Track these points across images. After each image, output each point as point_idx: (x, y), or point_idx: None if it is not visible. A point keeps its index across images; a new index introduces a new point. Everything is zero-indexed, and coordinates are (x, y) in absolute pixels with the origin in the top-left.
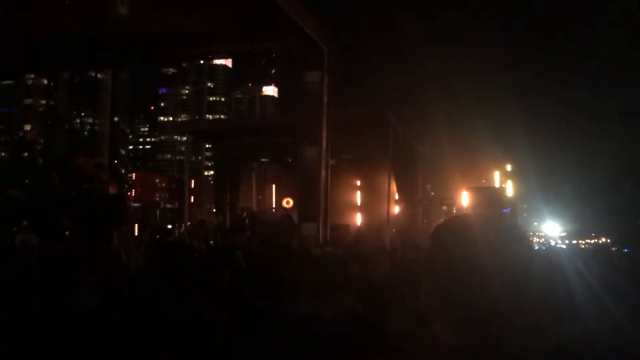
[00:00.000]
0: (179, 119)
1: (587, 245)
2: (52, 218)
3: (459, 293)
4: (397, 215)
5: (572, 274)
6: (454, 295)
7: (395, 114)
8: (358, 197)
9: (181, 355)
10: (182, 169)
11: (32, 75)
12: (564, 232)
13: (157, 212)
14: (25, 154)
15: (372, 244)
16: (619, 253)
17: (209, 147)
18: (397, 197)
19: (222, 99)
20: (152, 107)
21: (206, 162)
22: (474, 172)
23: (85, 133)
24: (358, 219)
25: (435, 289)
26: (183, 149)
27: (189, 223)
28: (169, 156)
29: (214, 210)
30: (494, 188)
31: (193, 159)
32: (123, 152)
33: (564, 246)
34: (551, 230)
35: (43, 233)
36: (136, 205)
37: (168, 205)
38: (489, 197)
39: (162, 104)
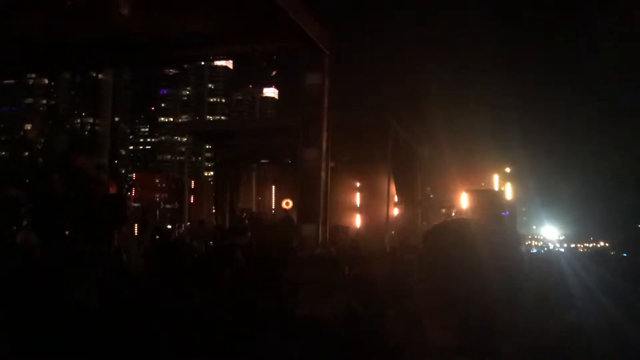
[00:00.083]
0: (180, 120)
1: (585, 249)
2: (52, 218)
3: (457, 294)
4: (397, 217)
5: (571, 277)
6: (452, 296)
7: (395, 116)
8: (358, 199)
9: (181, 354)
10: (182, 169)
11: (33, 75)
12: (562, 235)
13: (157, 212)
14: (26, 154)
15: (371, 246)
16: (617, 257)
17: (209, 147)
18: (396, 199)
19: (223, 100)
20: (153, 108)
21: (206, 163)
22: (473, 175)
23: (86, 133)
24: (357, 220)
25: (433, 290)
26: (183, 149)
27: (188, 223)
28: (169, 157)
29: (214, 211)
30: (493, 191)
31: (193, 159)
32: (123, 152)
33: (562, 250)
34: (550, 234)
35: (43, 233)
36: (136, 205)
37: (168, 206)
38: (488, 200)
39: (162, 105)
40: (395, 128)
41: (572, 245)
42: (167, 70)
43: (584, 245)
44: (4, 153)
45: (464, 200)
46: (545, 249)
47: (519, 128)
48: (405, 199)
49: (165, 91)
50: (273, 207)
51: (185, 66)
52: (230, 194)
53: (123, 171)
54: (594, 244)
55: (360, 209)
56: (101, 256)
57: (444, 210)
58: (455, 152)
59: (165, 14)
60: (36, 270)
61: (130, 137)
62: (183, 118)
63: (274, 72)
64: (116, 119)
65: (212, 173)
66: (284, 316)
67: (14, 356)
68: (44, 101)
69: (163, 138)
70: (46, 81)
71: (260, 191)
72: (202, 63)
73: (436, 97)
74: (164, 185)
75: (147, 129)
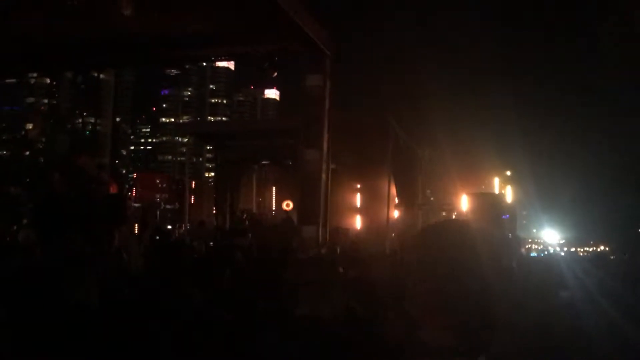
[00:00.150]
0: (181, 120)
1: (585, 253)
2: (52, 217)
3: (455, 294)
4: (397, 220)
5: (572, 280)
6: (450, 296)
7: (395, 118)
8: (358, 201)
9: (181, 354)
10: (182, 170)
11: (35, 75)
12: (562, 239)
13: (158, 212)
14: (27, 153)
15: (371, 248)
16: (617, 261)
17: (210, 148)
18: (396, 201)
19: (224, 101)
20: (154, 108)
21: (207, 164)
22: (473, 178)
23: (87, 133)
24: (358, 222)
25: (433, 290)
26: (184, 150)
27: (188, 225)
28: (170, 157)
29: (214, 211)
30: (493, 194)
31: (194, 160)
32: (124, 152)
33: (563, 253)
34: (550, 237)
35: (43, 232)
36: (137, 205)
37: (168, 206)
38: (489, 203)
39: (164, 105)
40: (396, 130)
41: (572, 249)
42: (169, 70)
43: (584, 249)
44: (5, 152)
45: (464, 203)
46: (546, 252)
47: (520, 131)
48: (406, 202)
49: (166, 92)
50: (273, 209)
51: (187, 67)
52: (231, 194)
53: (124, 171)
54: (594, 248)
55: (361, 211)
56: (101, 256)
57: (444, 213)
58: (455, 154)
59: (165, 14)
60: (36, 269)
61: (132, 137)
62: (184, 119)
63: (275, 74)
64: (117, 119)
65: (212, 174)
66: (283, 316)
67: (14, 356)
68: (46, 101)
69: (164, 138)
70: (48, 81)
71: (261, 192)
72: (204, 64)
73: (437, 98)
74: (164, 185)
75: (148, 129)
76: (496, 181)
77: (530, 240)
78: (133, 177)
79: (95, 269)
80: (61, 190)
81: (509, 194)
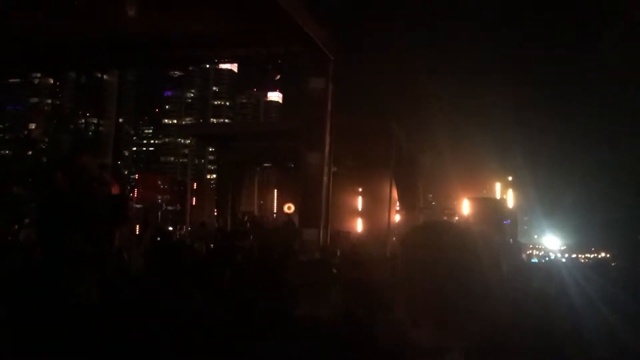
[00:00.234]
0: (183, 122)
1: (586, 260)
2: (54, 217)
3: (455, 294)
4: (398, 224)
5: (572, 287)
6: (450, 296)
7: (398, 123)
8: (359, 204)
9: (181, 354)
10: (185, 171)
11: (38, 75)
12: (563, 245)
13: (159, 213)
14: (30, 153)
15: (372, 251)
16: (617, 267)
17: (212, 150)
18: (398, 205)
19: (227, 103)
20: (157, 109)
21: (209, 166)
22: (475, 183)
23: (90, 133)
24: (359, 226)
25: (433, 290)
26: (186, 151)
27: (189, 226)
28: (172, 158)
29: (216, 213)
30: (494, 199)
31: (196, 161)
32: (127, 153)
33: (564, 260)
34: (551, 243)
35: (45, 232)
36: (138, 206)
37: (170, 207)
38: (490, 207)
39: (167, 107)
40: (398, 134)
41: (574, 256)
42: (172, 72)
43: (584, 256)
44: (8, 152)
45: (465, 208)
46: (547, 258)
47: (522, 136)
48: (407, 206)
49: (169, 93)
50: (275, 211)
51: (190, 68)
52: (232, 196)
53: (126, 172)
54: (595, 255)
55: (362, 214)
56: (102, 256)
57: (445, 217)
58: (457, 159)
59: (165, 15)
60: (37, 269)
61: (134, 138)
62: (187, 120)
63: (278, 76)
64: (120, 119)
65: (214, 176)
66: (283, 317)
67: (15, 355)
68: (49, 101)
69: (166, 140)
70: (51, 81)
71: (262, 194)
72: (207, 66)
73: (440, 105)
74: (166, 186)
75: (150, 130)
76: (498, 186)
77: (531, 246)
78: (135, 177)
79: (96, 268)
80: (63, 190)
81: (510, 199)
